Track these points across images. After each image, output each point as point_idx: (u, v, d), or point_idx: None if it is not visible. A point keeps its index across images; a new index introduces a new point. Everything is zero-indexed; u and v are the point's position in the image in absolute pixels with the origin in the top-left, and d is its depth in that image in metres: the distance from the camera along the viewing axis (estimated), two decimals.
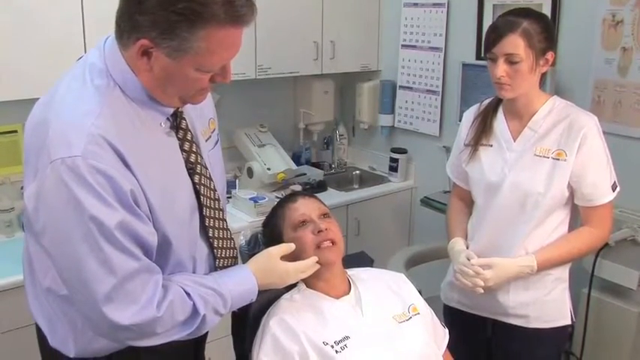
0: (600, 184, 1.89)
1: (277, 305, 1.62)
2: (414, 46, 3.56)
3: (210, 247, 1.53)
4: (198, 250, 1.49)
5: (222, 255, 1.57)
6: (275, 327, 1.54)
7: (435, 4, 3.40)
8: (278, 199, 1.89)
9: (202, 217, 1.48)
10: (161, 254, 1.38)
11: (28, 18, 2.40)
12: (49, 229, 1.27)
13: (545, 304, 1.99)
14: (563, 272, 2.00)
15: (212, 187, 1.52)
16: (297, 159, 3.75)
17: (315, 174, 3.61)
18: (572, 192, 1.91)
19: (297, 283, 1.67)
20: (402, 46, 3.62)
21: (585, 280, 2.53)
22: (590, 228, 1.93)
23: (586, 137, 1.86)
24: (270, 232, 1.73)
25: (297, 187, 3.34)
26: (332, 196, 3.36)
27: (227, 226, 1.59)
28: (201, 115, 1.56)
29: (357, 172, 3.91)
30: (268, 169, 3.30)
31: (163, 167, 1.37)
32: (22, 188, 1.37)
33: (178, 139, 1.43)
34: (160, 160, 1.36)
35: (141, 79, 1.30)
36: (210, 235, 1.52)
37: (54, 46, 2.41)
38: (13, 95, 2.38)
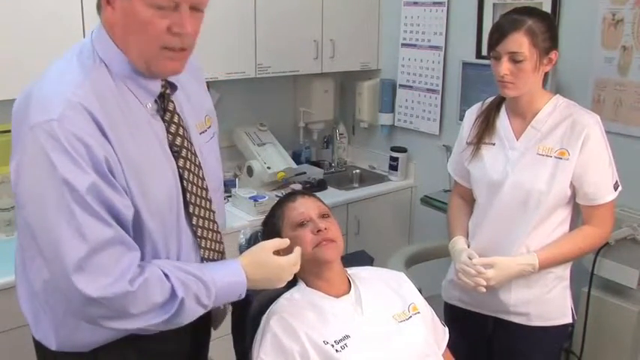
0: (602, 184, 1.89)
1: (277, 304, 1.62)
2: (414, 45, 3.56)
3: (195, 235, 1.49)
4: (183, 238, 1.45)
5: (207, 246, 1.52)
6: (275, 326, 1.54)
7: (435, 3, 3.39)
8: (278, 198, 1.89)
9: (186, 203, 1.45)
10: (136, 235, 1.34)
11: (25, 15, 2.39)
12: (27, 197, 1.27)
13: (546, 303, 1.99)
14: (564, 271, 2.00)
15: (200, 175, 1.48)
16: (297, 158, 3.75)
17: (315, 173, 3.61)
18: (574, 191, 1.91)
19: (297, 282, 1.67)
20: (402, 44, 3.62)
21: (585, 279, 2.53)
22: (591, 227, 1.93)
23: (589, 136, 1.86)
24: (270, 232, 1.73)
25: (297, 186, 3.34)
26: (332, 195, 3.36)
27: (214, 218, 1.54)
28: (198, 108, 1.56)
29: (357, 170, 3.91)
30: (268, 167, 3.30)
31: (143, 146, 1.35)
32: None
33: (165, 121, 1.42)
34: (140, 139, 1.35)
35: (117, 41, 1.32)
36: (194, 223, 1.48)
37: (52, 45, 2.40)
38: (11, 94, 2.38)
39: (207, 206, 1.51)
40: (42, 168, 1.23)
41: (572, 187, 1.90)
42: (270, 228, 1.73)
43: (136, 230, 1.34)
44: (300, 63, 3.40)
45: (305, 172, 3.54)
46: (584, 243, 1.95)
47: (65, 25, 2.46)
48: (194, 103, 1.54)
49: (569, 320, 2.03)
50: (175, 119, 1.43)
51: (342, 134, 4.00)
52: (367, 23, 3.68)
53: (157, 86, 1.40)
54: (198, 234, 1.49)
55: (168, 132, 1.42)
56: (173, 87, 1.45)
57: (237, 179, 3.35)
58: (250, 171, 3.32)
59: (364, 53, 3.72)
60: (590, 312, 2.54)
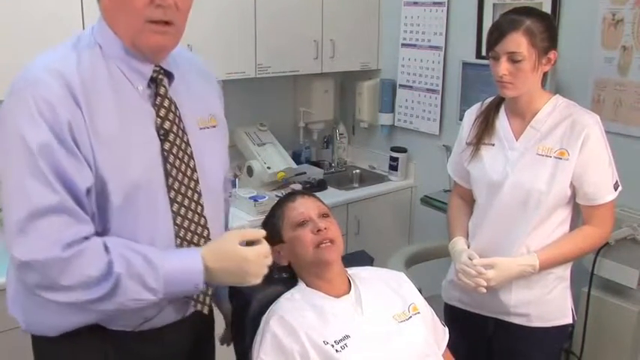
0: (602, 184, 1.89)
1: (277, 304, 1.61)
2: (414, 45, 3.56)
3: (173, 222, 1.44)
4: (160, 222, 1.42)
5: (186, 237, 1.46)
6: (275, 326, 1.53)
7: (435, 3, 3.39)
8: (278, 198, 1.89)
9: (168, 188, 1.42)
10: (100, 209, 1.34)
11: (25, 16, 2.40)
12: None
13: (546, 303, 1.99)
14: (565, 271, 2.00)
15: (191, 165, 1.47)
16: (297, 158, 3.75)
17: (315, 173, 3.61)
18: (574, 191, 1.91)
19: (298, 282, 1.67)
20: (402, 44, 3.62)
21: (585, 279, 2.53)
22: (591, 227, 1.93)
23: (588, 136, 1.86)
24: (270, 232, 1.73)
25: (297, 186, 3.34)
26: (332, 195, 3.36)
27: (202, 212, 1.49)
28: (201, 105, 1.56)
29: (357, 170, 3.91)
30: (268, 167, 3.30)
31: (124, 122, 1.36)
32: None
33: (155, 104, 1.42)
34: (124, 115, 1.36)
35: (110, 24, 1.38)
36: (174, 210, 1.43)
37: (52, 45, 2.40)
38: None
39: (195, 198, 1.48)
40: (7, 125, 1.28)
41: (572, 187, 1.90)
42: (270, 228, 1.73)
43: (101, 204, 1.33)
44: (300, 63, 3.40)
45: (305, 172, 3.54)
46: (585, 243, 1.95)
47: (65, 26, 2.45)
48: (197, 99, 1.55)
49: (569, 321, 2.03)
50: (166, 103, 1.43)
51: (342, 134, 4.00)
52: (367, 23, 3.69)
53: (148, 69, 1.41)
54: (177, 222, 1.44)
55: (157, 115, 1.42)
56: (169, 75, 1.47)
57: (237, 179, 3.35)
58: (250, 171, 3.32)
59: (364, 53, 3.72)
60: (590, 312, 2.54)
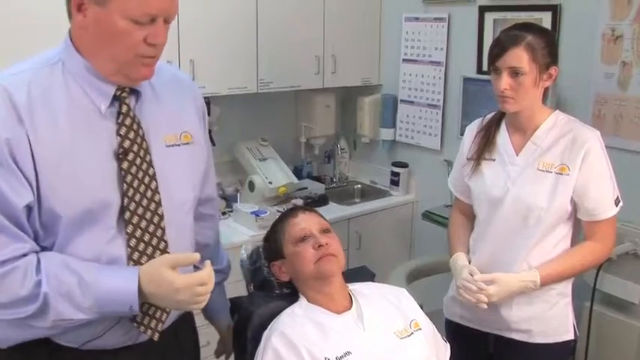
0: (603, 199, 1.89)
1: (278, 320, 1.61)
2: (415, 60, 3.58)
3: (127, 244, 1.40)
4: (112, 243, 1.39)
5: (140, 260, 1.41)
6: (276, 342, 1.53)
7: (435, 19, 3.41)
8: (279, 213, 1.89)
9: (123, 209, 1.38)
10: (46, 226, 1.34)
11: (22, 33, 2.41)
12: None
13: (548, 319, 1.98)
14: (566, 287, 2.00)
15: (152, 186, 1.42)
16: (298, 173, 3.76)
17: (317, 188, 3.62)
18: (574, 206, 1.91)
19: (299, 297, 1.67)
20: (403, 60, 3.64)
21: (587, 294, 2.52)
22: (593, 242, 1.93)
23: (589, 152, 1.86)
24: (271, 247, 1.73)
25: (299, 201, 3.34)
26: (333, 210, 3.36)
27: (162, 235, 1.44)
28: (173, 122, 1.52)
29: (359, 185, 3.92)
30: (270, 182, 3.30)
31: (76, 141, 1.34)
32: None
33: (117, 123, 1.39)
34: (74, 134, 1.34)
35: (80, 43, 1.36)
36: (129, 231, 1.39)
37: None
38: None
39: (154, 220, 1.43)
40: None
41: (573, 202, 1.90)
42: (272, 243, 1.74)
43: (48, 221, 1.33)
44: (301, 78, 3.42)
45: (306, 187, 3.55)
46: (586, 259, 1.94)
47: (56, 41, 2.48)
48: (167, 116, 1.51)
49: (571, 337, 2.02)
50: (127, 122, 1.40)
51: (343, 149, 4.00)
52: (368, 39, 3.71)
53: (110, 88, 1.39)
54: (131, 244, 1.40)
55: (117, 133, 1.39)
56: (136, 93, 1.44)
57: (238, 194, 3.35)
58: (252, 186, 3.33)
59: (365, 68, 3.74)
60: (592, 327, 2.53)
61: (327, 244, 1.63)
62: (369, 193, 3.82)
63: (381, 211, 3.58)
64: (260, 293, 1.77)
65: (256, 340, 1.60)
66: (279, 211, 2.76)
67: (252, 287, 1.84)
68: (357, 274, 1.89)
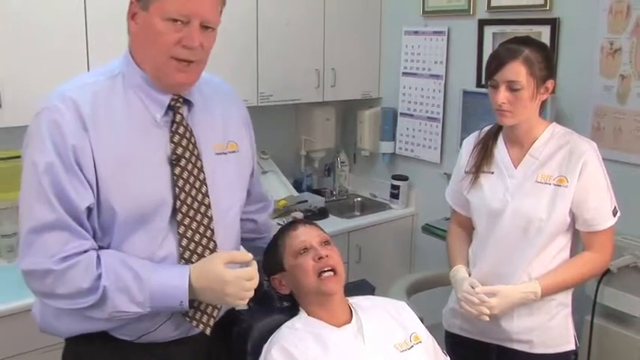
0: (601, 210, 1.90)
1: (279, 333, 1.61)
2: (414, 74, 3.59)
3: (179, 244, 1.49)
4: (166, 242, 1.48)
5: (190, 259, 1.49)
6: (277, 355, 1.53)
7: (435, 32, 3.43)
8: (279, 226, 1.89)
9: (175, 211, 1.47)
10: (104, 226, 1.43)
11: (31, 43, 2.44)
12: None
13: (549, 330, 1.98)
14: (566, 297, 2.00)
15: (203, 190, 1.52)
16: (298, 186, 3.76)
17: (317, 201, 3.61)
18: (573, 218, 1.92)
19: (299, 310, 1.66)
20: (403, 73, 3.65)
21: (588, 308, 2.51)
22: (592, 253, 1.94)
23: (586, 163, 1.87)
24: (271, 260, 1.73)
25: (299, 214, 3.33)
26: (333, 223, 3.36)
27: (211, 236, 1.53)
28: (220, 131, 1.61)
29: (359, 199, 3.91)
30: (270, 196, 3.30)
31: (134, 148, 1.44)
32: None
33: (171, 131, 1.48)
34: (132, 141, 1.44)
35: (136, 54, 1.47)
36: (181, 232, 1.48)
37: (57, 73, 2.43)
38: (17, 121, 2.40)
39: (204, 222, 1.52)
40: (26, 146, 1.41)
41: (572, 213, 1.90)
42: (272, 256, 1.73)
43: (106, 221, 1.43)
44: (301, 92, 3.43)
45: (306, 200, 3.54)
46: (586, 269, 1.95)
47: (72, 61, 2.51)
48: (216, 126, 1.60)
49: (572, 347, 2.02)
50: (180, 130, 1.49)
51: (343, 162, 4.01)
52: (368, 52, 3.72)
53: (166, 98, 1.48)
54: (182, 244, 1.49)
55: (171, 141, 1.48)
56: (189, 103, 1.53)
57: None
58: None
59: (365, 82, 3.75)
60: (593, 341, 2.53)
61: (327, 256, 1.64)
62: (369, 206, 3.82)
63: (381, 224, 3.58)
64: (260, 307, 1.76)
65: (256, 354, 1.60)
66: (279, 224, 2.75)
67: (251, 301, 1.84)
68: (357, 287, 1.89)
